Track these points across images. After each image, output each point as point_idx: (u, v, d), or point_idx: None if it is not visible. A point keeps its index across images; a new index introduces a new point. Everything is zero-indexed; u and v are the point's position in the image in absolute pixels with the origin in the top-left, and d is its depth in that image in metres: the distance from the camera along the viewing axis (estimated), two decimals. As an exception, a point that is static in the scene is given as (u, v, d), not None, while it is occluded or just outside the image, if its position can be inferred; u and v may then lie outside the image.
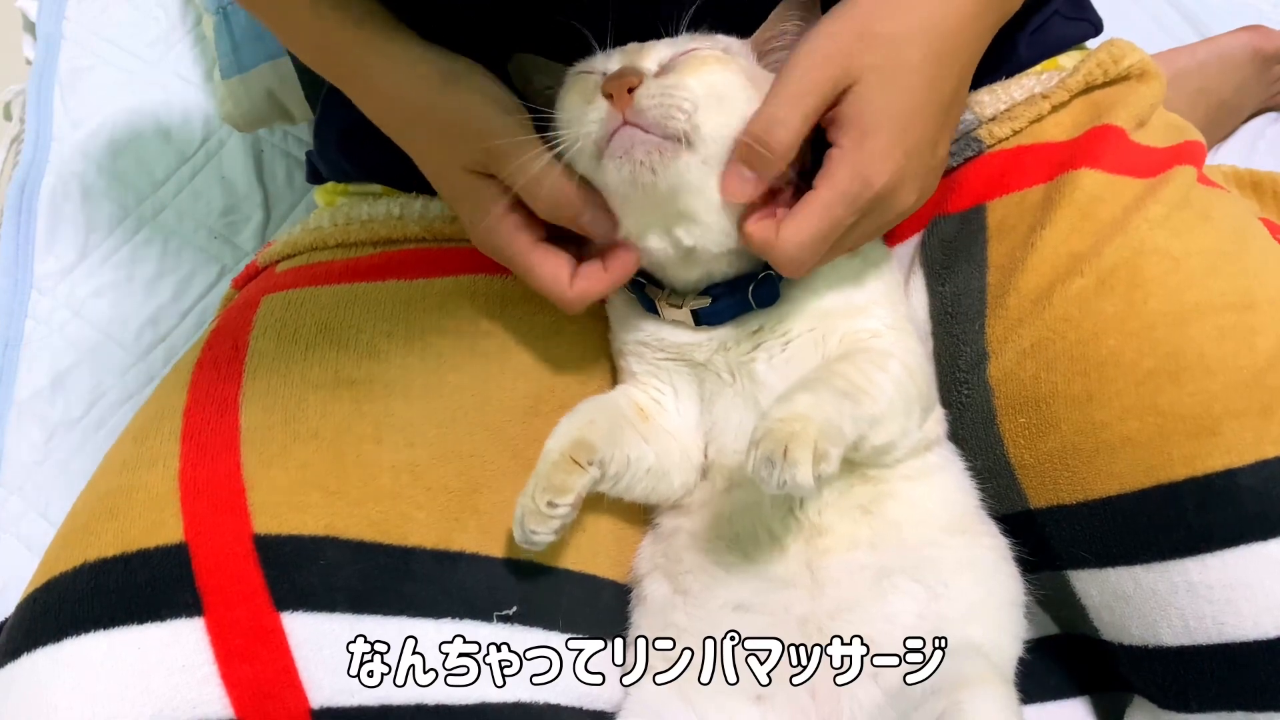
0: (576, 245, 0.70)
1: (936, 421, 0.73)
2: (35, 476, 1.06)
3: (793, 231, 0.63)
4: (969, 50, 0.67)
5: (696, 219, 0.66)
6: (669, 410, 0.74)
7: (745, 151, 0.63)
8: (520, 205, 0.68)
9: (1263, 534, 0.62)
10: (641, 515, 0.77)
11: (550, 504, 0.64)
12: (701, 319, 0.71)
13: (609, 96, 0.62)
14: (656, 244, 0.67)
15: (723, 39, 0.69)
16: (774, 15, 0.69)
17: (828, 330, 0.71)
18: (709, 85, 0.64)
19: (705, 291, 0.71)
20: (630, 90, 0.62)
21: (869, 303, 0.72)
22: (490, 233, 0.69)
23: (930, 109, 0.65)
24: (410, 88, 0.68)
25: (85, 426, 1.09)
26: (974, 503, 0.72)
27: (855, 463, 0.68)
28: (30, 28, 1.39)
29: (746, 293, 0.70)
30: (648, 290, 0.73)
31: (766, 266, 0.69)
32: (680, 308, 0.71)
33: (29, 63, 1.36)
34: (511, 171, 0.65)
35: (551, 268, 0.68)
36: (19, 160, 1.26)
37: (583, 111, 0.64)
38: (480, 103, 0.67)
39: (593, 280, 0.69)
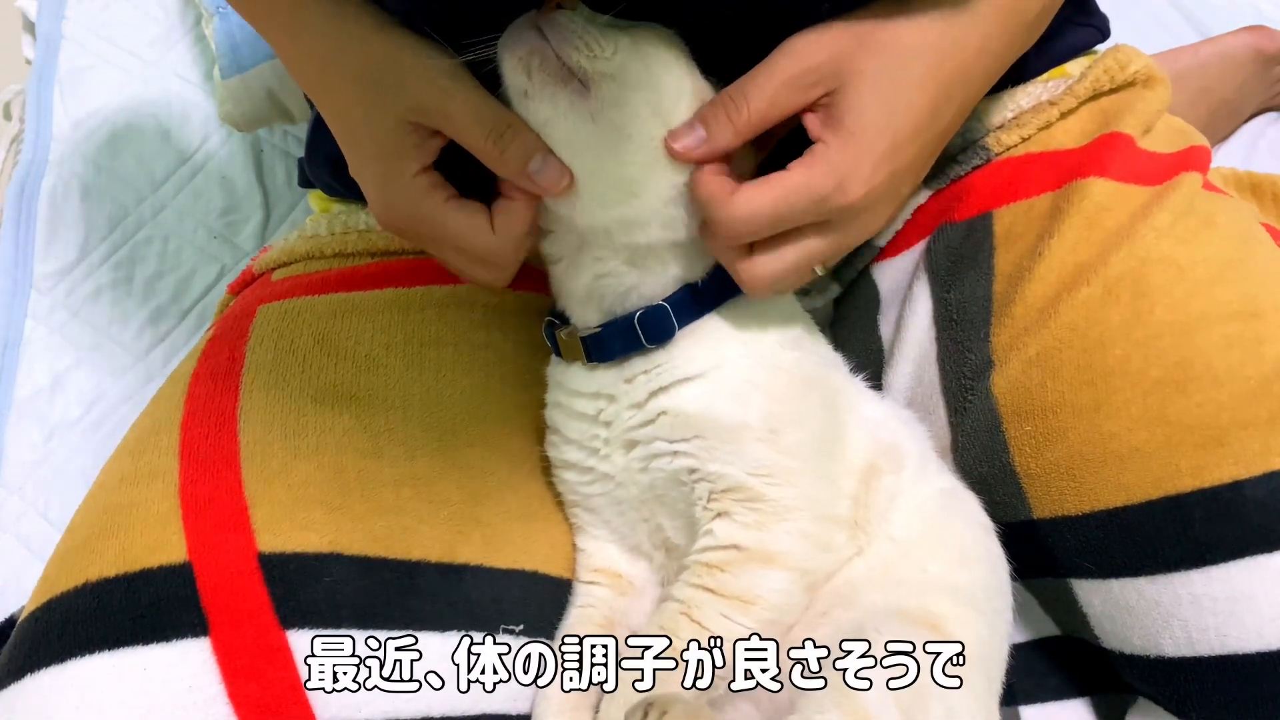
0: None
1: (853, 504, 0.67)
2: (35, 476, 1.05)
3: (747, 197, 0.59)
4: (976, 85, 0.64)
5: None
6: (615, 553, 0.72)
7: (706, 110, 0.60)
8: (433, 168, 0.65)
9: (1267, 546, 0.62)
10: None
11: None
12: (590, 351, 0.67)
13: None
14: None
15: None
16: None
17: (692, 463, 0.65)
18: (643, 52, 0.60)
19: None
20: (559, 7, 0.59)
21: (741, 425, 0.64)
22: (405, 192, 0.65)
23: (927, 135, 0.62)
24: (344, 32, 0.64)
25: (85, 426, 1.09)
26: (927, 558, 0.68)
27: None
28: (30, 27, 1.38)
29: (633, 321, 0.65)
30: (556, 331, 0.69)
31: (674, 297, 0.66)
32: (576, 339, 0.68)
33: (29, 63, 1.36)
34: (453, 109, 0.62)
35: (468, 216, 0.65)
36: (19, 160, 1.25)
37: None
38: (417, 45, 0.62)
39: (510, 214, 0.65)
